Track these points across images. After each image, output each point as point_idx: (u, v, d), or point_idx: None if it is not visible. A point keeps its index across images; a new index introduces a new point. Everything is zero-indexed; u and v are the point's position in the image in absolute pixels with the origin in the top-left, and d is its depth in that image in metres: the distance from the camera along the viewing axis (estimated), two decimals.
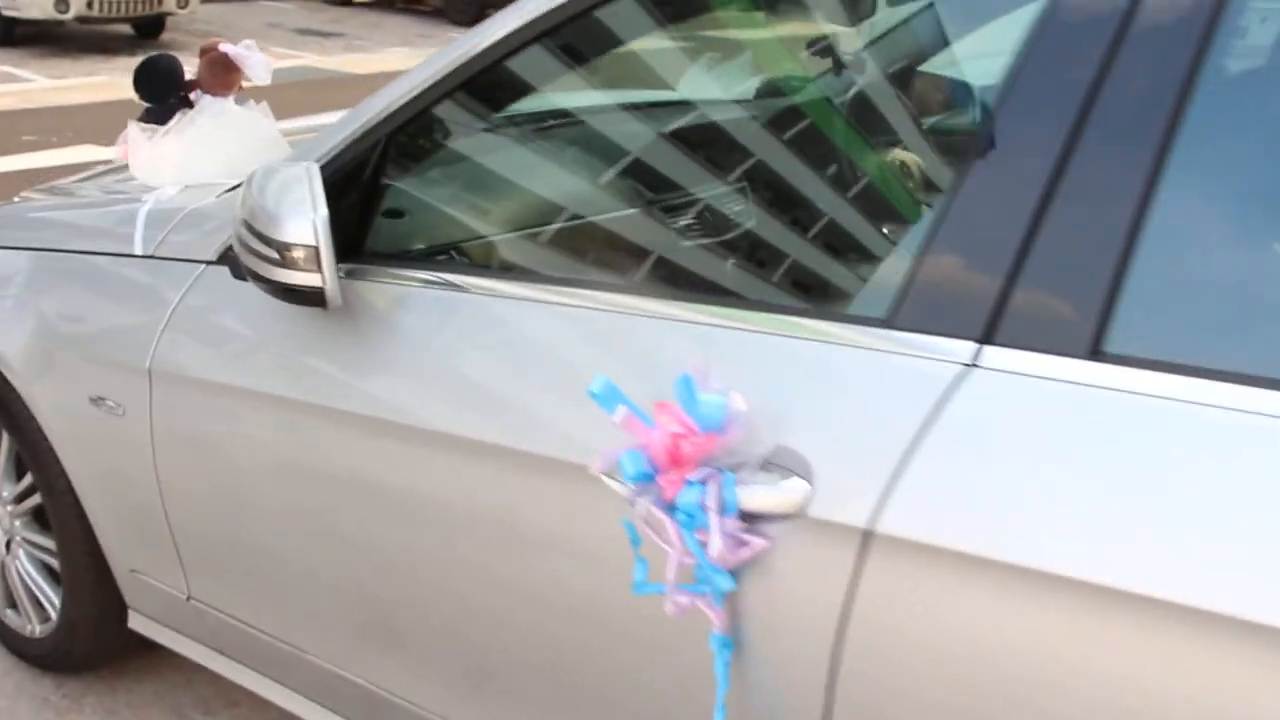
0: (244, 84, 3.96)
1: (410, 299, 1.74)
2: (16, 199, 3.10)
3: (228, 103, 2.29)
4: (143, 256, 2.14)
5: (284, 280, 1.67)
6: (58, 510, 2.44)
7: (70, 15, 11.27)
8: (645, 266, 1.67)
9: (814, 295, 1.54)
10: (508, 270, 1.79)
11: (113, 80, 10.53)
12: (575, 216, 1.85)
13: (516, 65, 1.75)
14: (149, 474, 2.14)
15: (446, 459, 1.65)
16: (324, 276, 1.65)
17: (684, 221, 1.79)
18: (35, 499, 2.53)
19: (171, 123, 2.39)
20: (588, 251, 1.75)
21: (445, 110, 1.84)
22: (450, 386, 1.67)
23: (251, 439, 1.93)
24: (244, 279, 1.82)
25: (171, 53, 3.61)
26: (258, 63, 3.50)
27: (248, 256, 1.73)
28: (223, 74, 3.50)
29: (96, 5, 11.35)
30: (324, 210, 1.64)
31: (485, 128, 1.91)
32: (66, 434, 2.31)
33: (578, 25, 1.66)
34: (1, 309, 2.42)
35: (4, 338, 2.37)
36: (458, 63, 1.74)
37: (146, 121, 3.53)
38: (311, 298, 1.68)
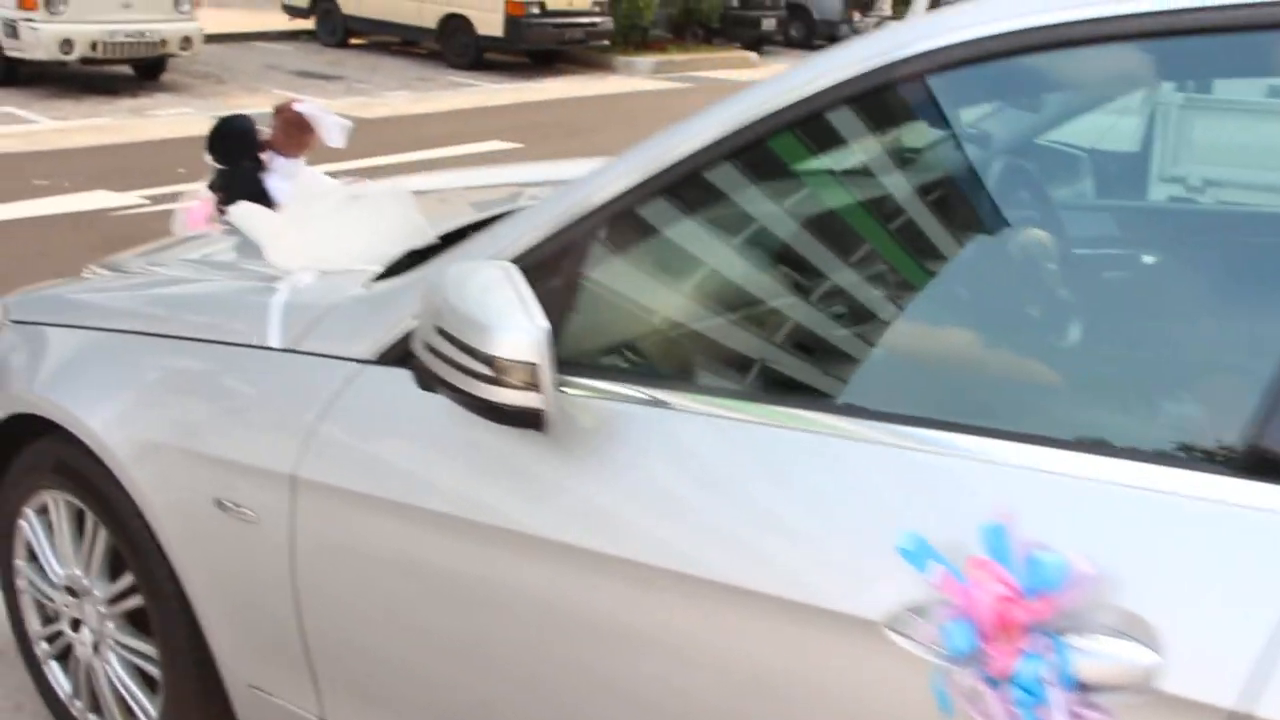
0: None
1: (624, 417, 1.55)
2: (86, 274, 2.90)
3: (368, 183, 2.10)
4: (281, 350, 1.94)
5: (494, 399, 1.48)
6: (162, 615, 2.22)
7: (74, 56, 11.04)
8: (929, 389, 1.48)
9: (1159, 435, 1.36)
10: (742, 389, 1.59)
11: (116, 122, 10.33)
12: (829, 329, 1.65)
13: (756, 155, 1.57)
14: (284, 586, 1.94)
15: (666, 597, 1.46)
16: (544, 398, 1.46)
17: (985, 341, 1.58)
18: (133, 600, 2.31)
19: (295, 201, 2.20)
20: (849, 370, 1.56)
21: (663, 204, 1.65)
22: (677, 519, 1.48)
23: (419, 557, 1.73)
24: (430, 389, 1.62)
25: (245, 114, 3.41)
26: (332, 125, 3.32)
27: (444, 368, 1.54)
28: (297, 135, 3.32)
29: (100, 47, 11.13)
30: (544, 322, 1.46)
31: (717, 224, 1.72)
32: (182, 536, 2.10)
33: (838, 111, 1.49)
34: (105, 395, 2.21)
35: (109, 427, 2.16)
36: (677, 155, 1.56)
37: (218, 185, 3.35)
38: (523, 419, 1.49)
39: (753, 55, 18.47)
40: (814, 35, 21.03)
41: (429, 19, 15.20)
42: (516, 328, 1.45)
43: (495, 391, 1.47)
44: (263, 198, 3.33)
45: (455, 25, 14.98)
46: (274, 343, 1.94)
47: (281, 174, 3.37)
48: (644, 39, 17.18)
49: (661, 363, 1.73)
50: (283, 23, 16.64)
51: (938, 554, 1.20)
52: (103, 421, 2.18)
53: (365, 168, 9.00)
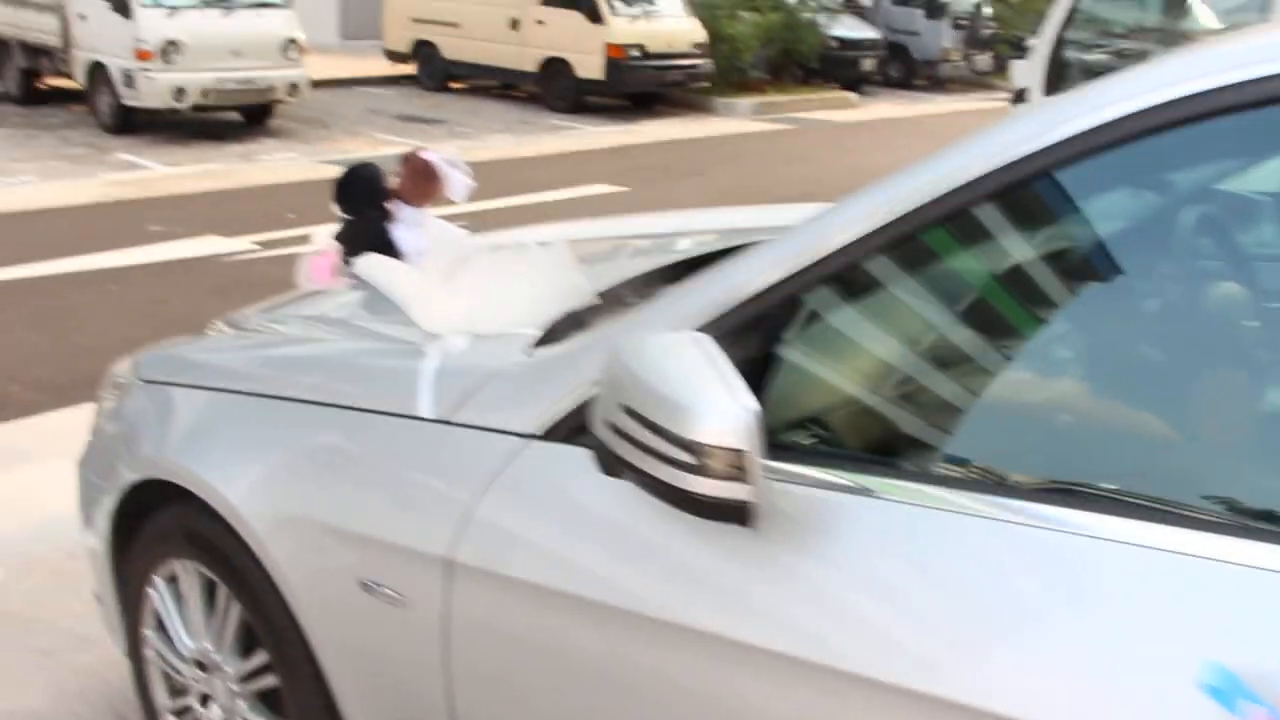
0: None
1: (830, 507, 1.38)
2: (210, 331, 2.82)
3: (526, 243, 1.95)
4: (434, 421, 1.80)
5: (693, 490, 1.32)
6: (298, 696, 2.10)
7: (186, 104, 11.27)
8: (1215, 482, 1.29)
9: None
10: (972, 477, 1.41)
11: (226, 168, 10.48)
12: (1083, 409, 1.46)
13: (987, 211, 1.40)
14: (434, 672, 1.79)
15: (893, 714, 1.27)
16: (753, 489, 1.29)
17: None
18: (267, 679, 2.19)
19: (438, 257, 2.07)
20: (1112, 456, 1.37)
21: (872, 267, 1.48)
22: (901, 626, 1.30)
23: (589, 651, 1.57)
24: (613, 473, 1.46)
25: (372, 161, 3.33)
26: (458, 180, 3.21)
27: (631, 451, 1.38)
28: (424, 184, 3.22)
29: (211, 94, 11.36)
30: (752, 402, 1.29)
31: (934, 290, 1.55)
32: (322, 615, 1.97)
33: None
34: (240, 463, 2.10)
35: (244, 498, 2.05)
36: (899, 210, 1.39)
37: (344, 236, 3.26)
38: (727, 512, 1.32)
39: (853, 95, 18.26)
40: (913, 75, 20.78)
41: (529, 63, 15.28)
42: (720, 408, 1.29)
43: (695, 481, 1.31)
44: (388, 248, 3.24)
45: (555, 69, 15.03)
46: (426, 413, 1.80)
47: (408, 224, 3.27)
48: (743, 80, 17.09)
49: (871, 443, 1.55)
50: (385, 68, 16.88)
51: (1253, 693, 1.00)
52: (238, 491, 2.07)
53: (471, 212, 8.99)
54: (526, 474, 1.66)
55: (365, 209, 3.21)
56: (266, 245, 7.58)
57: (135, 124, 11.57)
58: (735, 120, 15.54)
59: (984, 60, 19.80)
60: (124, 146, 11.04)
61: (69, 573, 3.42)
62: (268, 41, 11.76)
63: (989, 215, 1.44)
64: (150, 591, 2.41)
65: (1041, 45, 6.46)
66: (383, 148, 11.82)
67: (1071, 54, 6.53)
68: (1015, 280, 1.52)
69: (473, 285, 1.91)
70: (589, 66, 14.72)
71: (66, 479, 2.70)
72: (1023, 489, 1.32)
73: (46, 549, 3.63)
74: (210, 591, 2.26)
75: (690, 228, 3.17)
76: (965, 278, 1.55)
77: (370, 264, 2.96)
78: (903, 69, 20.73)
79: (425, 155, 3.23)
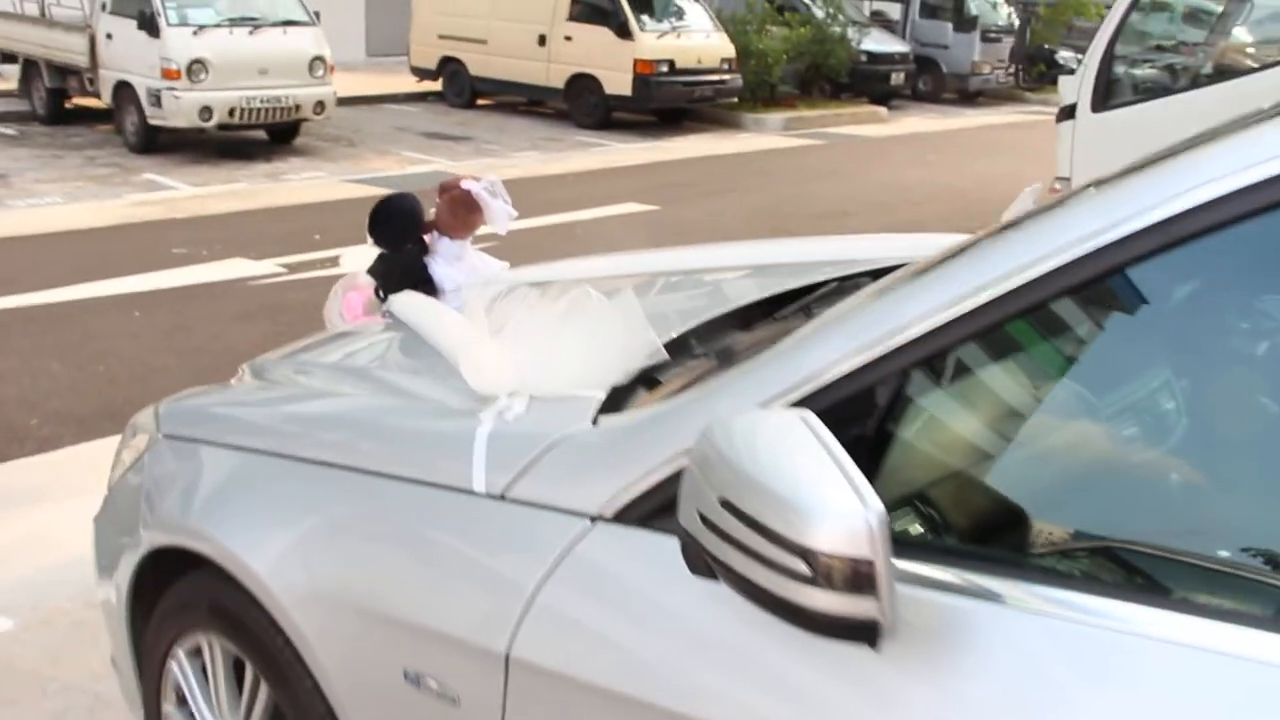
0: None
1: (957, 616, 1.17)
2: (235, 379, 2.63)
3: (589, 292, 1.74)
4: (487, 496, 1.60)
5: (808, 604, 1.11)
6: None
7: (213, 123, 11.15)
8: None
9: None
10: (1127, 583, 1.21)
11: (252, 187, 10.35)
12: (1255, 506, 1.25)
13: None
14: None
15: None
16: (881, 605, 1.08)
17: None
18: None
19: (480, 301, 1.86)
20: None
21: (1001, 337, 1.28)
22: None
23: None
24: (709, 575, 1.26)
25: (409, 191, 3.14)
26: (500, 211, 3.02)
27: (730, 553, 1.18)
28: (464, 215, 3.02)
29: (238, 113, 11.23)
30: (878, 504, 1.09)
31: (1073, 367, 1.34)
32: (361, 706, 1.77)
33: None
34: (270, 533, 1.90)
35: (274, 571, 1.85)
36: (979, 299, 1.19)
37: (377, 270, 3.08)
38: (849, 630, 1.11)
39: (882, 110, 18.04)
40: (943, 89, 20.54)
41: (556, 79, 15.13)
42: (843, 511, 1.08)
43: (809, 593, 1.10)
44: (426, 284, 3.05)
45: (583, 85, 14.88)
46: (479, 486, 1.60)
47: (446, 257, 3.08)
48: (772, 95, 16.90)
49: (990, 536, 1.34)
50: (410, 85, 16.78)
51: None
52: (267, 564, 1.87)
53: (487, 233, 8.76)
54: (594, 560, 1.45)
55: (402, 242, 3.02)
56: (293, 268, 7.42)
57: (161, 144, 11.47)
58: (765, 136, 15.34)
59: (1032, 73, 19.46)
60: (150, 166, 10.94)
61: (88, 623, 3.24)
62: (294, 60, 11.64)
63: (1077, 308, 1.25)
64: (172, 664, 2.22)
65: (1090, 59, 6.24)
66: (410, 166, 11.71)
67: (1121, 69, 6.31)
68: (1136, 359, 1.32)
69: (529, 340, 1.71)
70: (617, 83, 14.55)
71: (88, 518, 2.53)
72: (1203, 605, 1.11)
73: (65, 597, 3.45)
74: (238, 669, 2.07)
75: (740, 261, 2.97)
76: (1062, 361, 1.35)
77: (407, 303, 2.77)
78: (932, 83, 20.49)
79: (465, 184, 3.03)
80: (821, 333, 1.39)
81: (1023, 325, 1.28)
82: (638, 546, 1.41)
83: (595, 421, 1.59)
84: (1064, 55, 19.94)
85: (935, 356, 1.28)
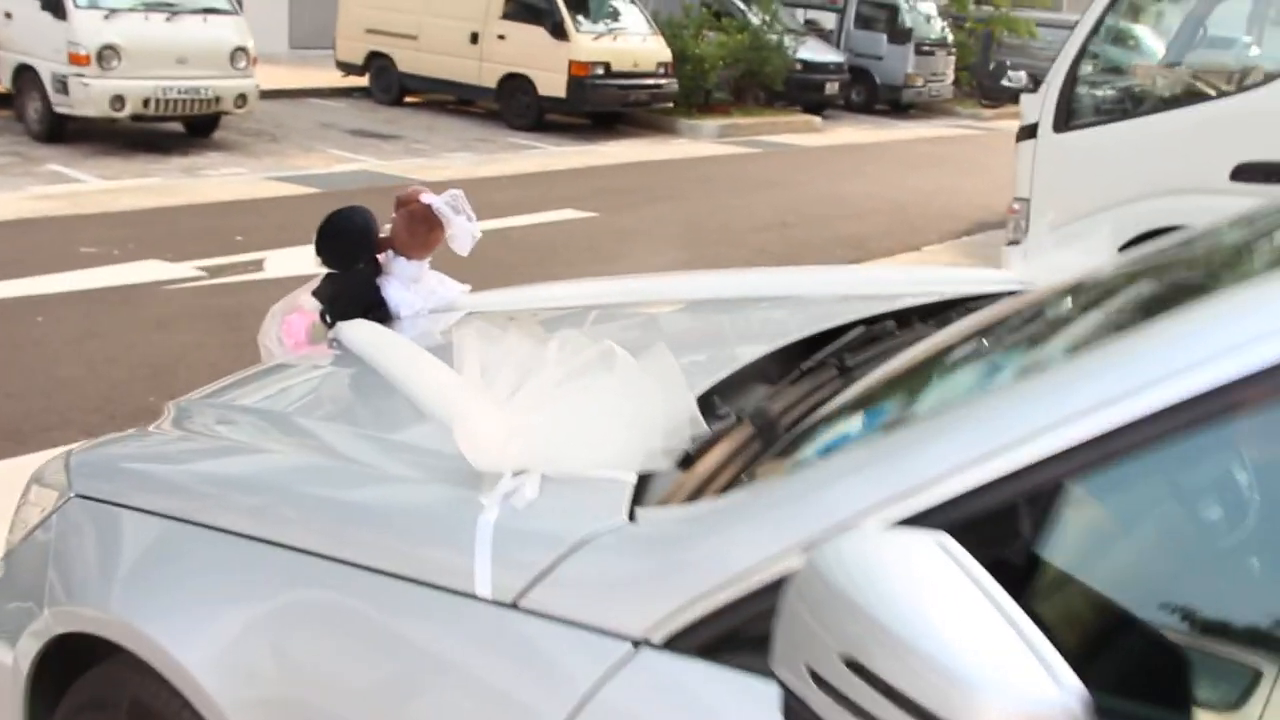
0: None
1: None
2: (163, 421, 2.29)
3: (612, 349, 1.43)
4: (493, 604, 1.30)
5: None
6: None
7: (125, 114, 10.59)
8: None
9: None
10: None
11: (167, 183, 9.85)
12: None
13: None
14: None
15: None
16: None
17: None
18: None
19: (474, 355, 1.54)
20: None
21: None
22: None
23: None
24: None
25: (362, 205, 2.80)
26: (463, 231, 2.69)
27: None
28: (424, 233, 2.70)
29: (153, 104, 10.68)
30: (1077, 684, 0.81)
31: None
32: None
33: None
34: (207, 623, 1.58)
35: (212, 670, 1.53)
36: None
37: (324, 292, 2.74)
38: None
39: (817, 120, 17.96)
40: (876, 100, 20.54)
41: (489, 78, 14.75)
42: (1026, 692, 0.81)
43: None
44: (378, 308, 2.72)
45: (516, 85, 14.52)
46: (482, 589, 1.30)
47: (402, 279, 2.75)
48: (706, 101, 16.69)
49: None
50: (336, 79, 16.26)
51: None
52: (203, 661, 1.55)
53: None
54: (638, 698, 1.16)
55: (352, 261, 2.69)
56: (213, 271, 6.99)
57: (68, 133, 10.87)
58: (700, 143, 15.12)
59: (1009, 87, 19.39)
60: (55, 157, 10.36)
61: None
62: (215, 49, 11.11)
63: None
64: None
65: (1053, 79, 6.08)
66: (336, 164, 11.26)
67: (1084, 89, 6.17)
68: None
69: (540, 403, 1.40)
70: (551, 84, 14.22)
71: None
72: None
73: None
74: None
75: (722, 292, 2.69)
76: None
77: (364, 336, 2.45)
78: (865, 93, 20.48)
79: (425, 198, 2.71)
80: (943, 426, 1.11)
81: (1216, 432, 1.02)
82: (700, 684, 1.12)
83: (632, 515, 1.29)
84: (1013, 74, 20.07)
85: (1106, 463, 1.00)
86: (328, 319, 2.71)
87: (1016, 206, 6.34)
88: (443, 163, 11.85)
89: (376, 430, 1.87)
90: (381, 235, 2.76)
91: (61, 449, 4.07)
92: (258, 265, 7.20)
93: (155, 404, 5.01)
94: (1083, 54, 6.06)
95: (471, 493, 1.39)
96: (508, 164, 12.12)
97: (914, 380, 1.60)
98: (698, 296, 2.71)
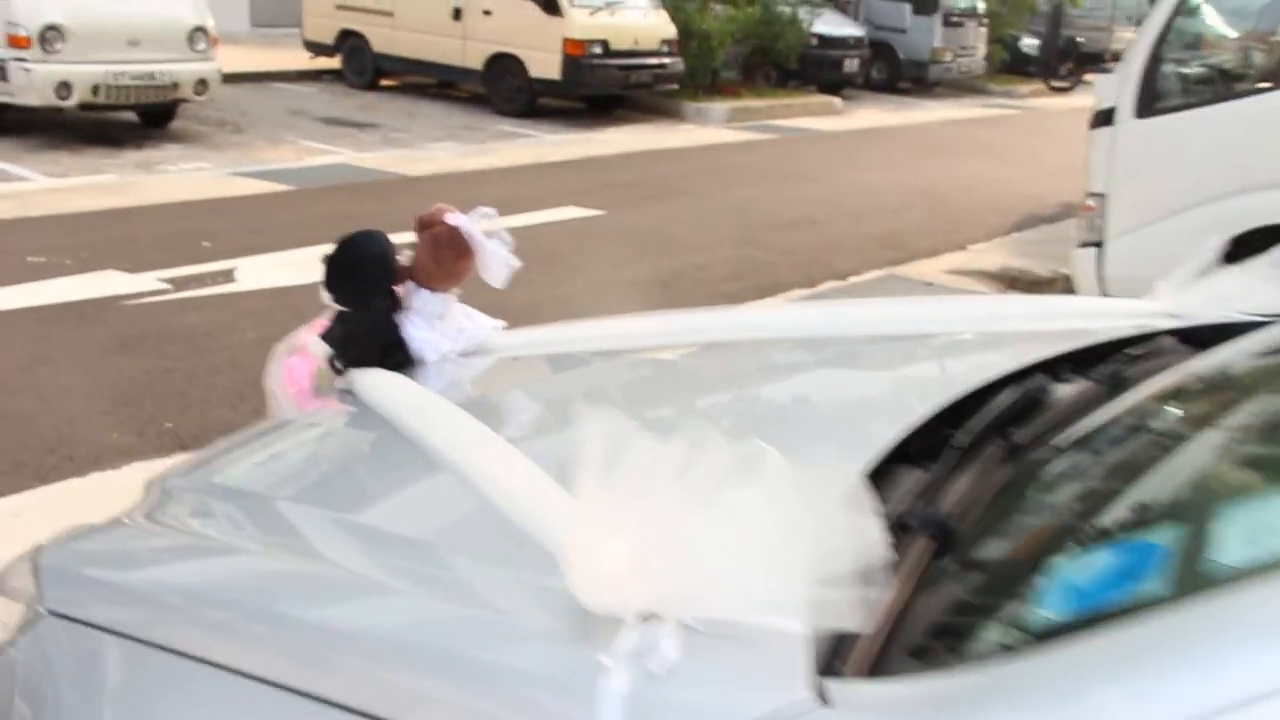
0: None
1: None
2: (138, 519, 2.02)
3: (764, 449, 1.18)
4: None
5: None
6: None
7: (73, 102, 10.31)
8: None
9: None
10: None
11: (122, 180, 9.58)
12: None
13: None
14: None
15: None
16: None
17: None
18: None
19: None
20: None
21: None
22: None
23: None
24: None
25: (377, 229, 2.53)
26: (497, 257, 2.44)
27: None
28: (451, 260, 2.44)
29: (103, 91, 10.41)
30: None
31: None
32: None
33: None
34: None
35: None
36: None
37: (335, 334, 2.48)
38: None
39: (836, 100, 17.72)
40: (899, 77, 20.33)
41: (474, 59, 14.49)
42: None
43: None
44: (397, 351, 2.47)
45: (504, 66, 14.26)
46: None
47: (425, 316, 2.50)
48: (713, 82, 16.46)
49: None
50: (304, 61, 16.02)
51: None
52: None
53: (410, 242, 8.06)
54: None
55: (368, 297, 2.44)
56: (178, 284, 6.72)
57: (9, 124, 10.59)
58: (709, 128, 14.89)
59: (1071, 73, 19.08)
60: None
61: None
62: (170, 30, 10.85)
63: None
64: None
65: (1134, 59, 5.84)
66: (309, 157, 11.00)
67: (1169, 69, 5.92)
68: None
69: (674, 522, 1.14)
70: (544, 65, 13.97)
71: None
72: None
73: None
74: None
75: (826, 329, 2.45)
76: None
77: (382, 387, 2.21)
78: (887, 70, 20.27)
79: (451, 219, 2.46)
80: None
81: None
82: None
83: (824, 694, 1.03)
84: (1028, 43, 19.85)
85: None
86: (337, 365, 2.46)
87: (1091, 203, 6.11)
88: (426, 154, 11.60)
89: (415, 529, 1.62)
90: (402, 265, 2.51)
91: (11, 505, 3.85)
92: (227, 275, 6.93)
93: (119, 441, 4.78)
94: (1169, 27, 5.81)
95: (584, 645, 1.14)
96: (498, 155, 11.87)
97: (1161, 492, 1.34)
98: (776, 334, 2.46)
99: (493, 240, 2.48)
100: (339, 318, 2.45)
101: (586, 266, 7.69)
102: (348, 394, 2.40)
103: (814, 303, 6.60)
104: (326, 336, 2.44)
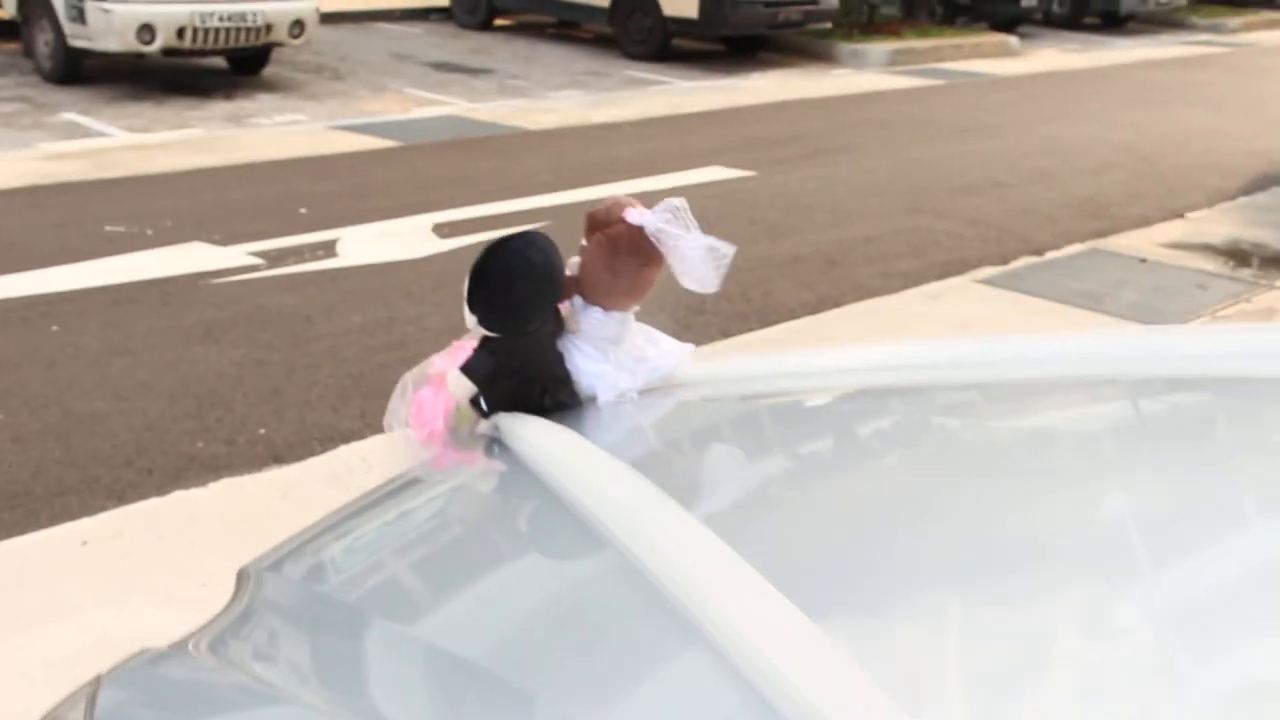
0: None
1: None
2: (245, 587, 1.70)
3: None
4: None
5: None
6: None
7: (156, 47, 10.20)
8: None
9: None
10: None
11: (210, 135, 9.44)
12: None
13: None
14: None
15: None
16: None
17: None
18: None
19: None
20: None
21: None
22: None
23: None
24: None
25: (541, 230, 2.14)
26: (696, 254, 2.04)
27: None
28: (631, 267, 2.04)
29: (189, 34, 10.28)
30: None
31: None
32: None
33: None
34: None
35: None
36: None
37: (480, 368, 2.09)
38: None
39: (1011, 40, 17.03)
40: (1085, 10, 19.51)
41: None
42: None
43: None
44: (560, 387, 2.10)
45: (634, 3, 13.92)
46: None
47: (596, 342, 2.11)
48: (870, 20, 15.94)
49: None
50: None
51: None
52: None
53: (533, 209, 7.90)
54: None
55: (527, 321, 2.05)
56: (272, 258, 6.48)
57: (86, 73, 10.55)
58: (867, 73, 14.36)
59: None
60: (70, 103, 10.02)
61: None
62: None
63: None
64: None
65: None
66: (417, 108, 10.79)
67: None
68: None
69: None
70: (679, 2, 13.57)
71: None
72: None
73: None
74: None
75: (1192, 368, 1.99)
76: None
77: (540, 441, 1.84)
78: (1070, 4, 19.47)
79: (633, 215, 2.06)
80: None
81: None
82: None
83: None
84: None
85: None
86: (483, 405, 2.09)
87: None
88: (547, 104, 11.31)
89: (566, 684, 1.24)
90: (569, 275, 2.12)
91: (81, 530, 3.59)
92: (328, 249, 6.68)
93: (204, 452, 4.52)
94: None
95: None
96: (628, 105, 11.51)
97: None
98: (1087, 369, 2.02)
99: (689, 239, 2.08)
100: (486, 345, 2.07)
101: (738, 238, 7.20)
102: (495, 444, 2.04)
103: (1123, 326, 6.11)
104: (470, 369, 2.06)
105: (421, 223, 7.23)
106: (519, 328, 2.06)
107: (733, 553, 1.36)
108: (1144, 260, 7.37)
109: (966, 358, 2.13)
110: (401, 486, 2.05)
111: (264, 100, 10.76)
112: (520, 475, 1.89)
